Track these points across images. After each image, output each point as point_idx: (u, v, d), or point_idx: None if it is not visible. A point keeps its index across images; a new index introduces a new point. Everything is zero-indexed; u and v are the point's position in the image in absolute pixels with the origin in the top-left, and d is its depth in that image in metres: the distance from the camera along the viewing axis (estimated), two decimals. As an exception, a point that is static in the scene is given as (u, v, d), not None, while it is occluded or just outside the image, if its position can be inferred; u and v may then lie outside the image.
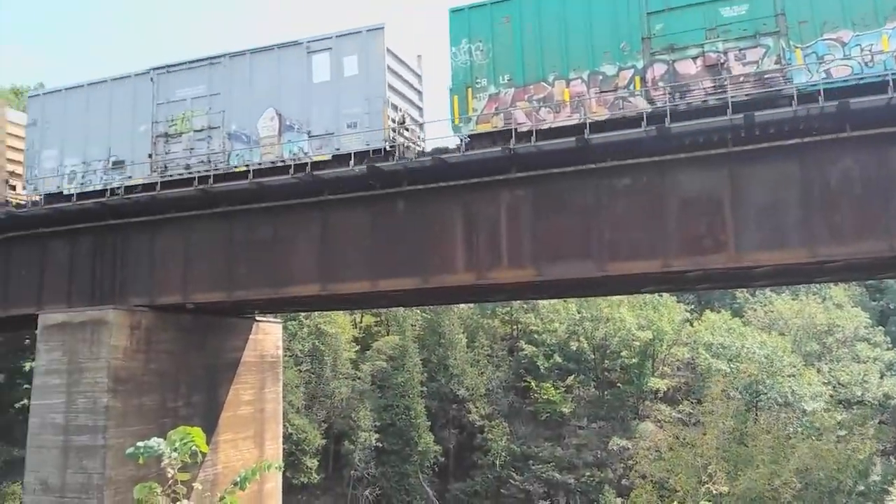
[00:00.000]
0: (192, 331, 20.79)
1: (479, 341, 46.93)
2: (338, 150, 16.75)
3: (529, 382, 44.23)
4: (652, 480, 35.61)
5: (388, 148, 16.32)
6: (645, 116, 14.31)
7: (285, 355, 32.16)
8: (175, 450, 4.58)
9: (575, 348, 45.35)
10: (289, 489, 32.49)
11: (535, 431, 42.78)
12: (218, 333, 21.88)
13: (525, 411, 44.16)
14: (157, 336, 19.60)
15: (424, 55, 18.79)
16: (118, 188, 18.70)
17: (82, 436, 18.16)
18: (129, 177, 18.81)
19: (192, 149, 18.31)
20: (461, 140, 16.07)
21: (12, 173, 21.39)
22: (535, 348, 45.39)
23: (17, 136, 21.72)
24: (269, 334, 24.03)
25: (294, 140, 17.24)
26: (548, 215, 15.89)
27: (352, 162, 16.26)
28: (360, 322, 48.65)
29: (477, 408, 43.29)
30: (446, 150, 16.15)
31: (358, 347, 44.96)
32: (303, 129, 17.26)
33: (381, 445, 40.65)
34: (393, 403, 41.69)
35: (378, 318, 49.28)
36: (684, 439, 35.86)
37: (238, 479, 4.95)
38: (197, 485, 5.01)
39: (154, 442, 4.57)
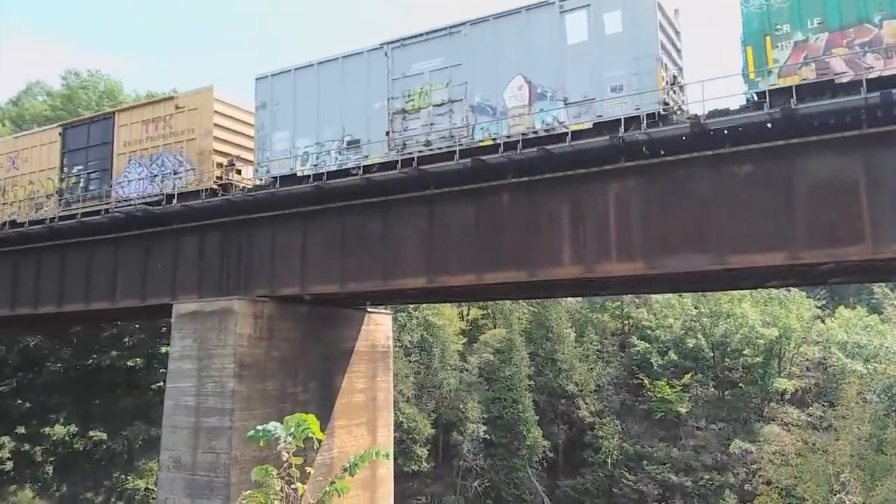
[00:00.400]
0: (309, 321, 21.70)
1: (588, 336, 46.13)
2: (599, 117, 15.26)
3: (642, 380, 43.03)
4: (778, 487, 33.75)
5: (661, 112, 14.71)
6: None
7: (395, 346, 32.98)
8: (291, 434, 4.82)
9: (692, 345, 43.62)
10: (400, 476, 33.35)
11: (649, 431, 41.56)
12: (333, 324, 22.74)
13: (638, 409, 43.01)
14: (277, 325, 20.57)
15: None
16: (354, 168, 18.14)
17: (211, 418, 19.36)
18: (366, 156, 18.03)
19: (431, 124, 17.34)
20: (752, 97, 14.12)
21: (238, 157, 21.23)
22: (647, 345, 44.12)
23: (231, 117, 21.48)
24: (380, 325, 24.72)
25: (547, 109, 15.88)
26: (660, 206, 15.35)
27: (621, 129, 14.81)
28: (467, 315, 49.03)
29: (587, 404, 42.62)
30: (727, 112, 14.42)
31: (465, 340, 45.34)
32: (556, 96, 15.83)
33: (489, 437, 40.85)
34: (500, 396, 41.77)
35: (485, 311, 49.48)
36: (814, 445, 33.71)
37: (348, 465, 5.16)
38: (310, 469, 5.22)
39: (272, 426, 4.85)
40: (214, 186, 20.22)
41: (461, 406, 40.74)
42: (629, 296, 44.48)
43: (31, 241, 24.59)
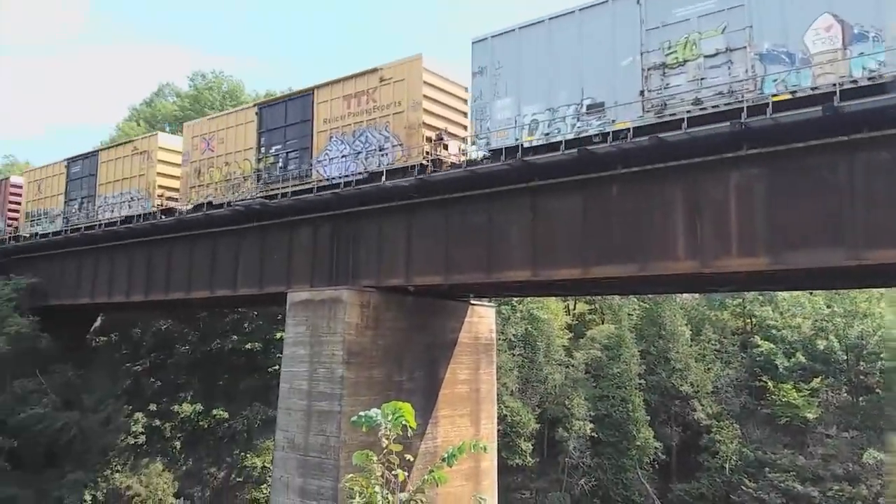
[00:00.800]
0: (413, 311, 22.02)
1: (706, 334, 44.06)
2: None
3: (765, 382, 40.62)
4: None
5: None
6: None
7: (499, 339, 32.90)
8: (391, 421, 4.88)
9: (822, 347, 40.61)
10: (504, 469, 33.28)
11: (772, 436, 39.24)
12: (436, 315, 22.96)
13: (760, 413, 40.71)
14: (383, 315, 21.01)
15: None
16: (596, 136, 16.24)
17: (322, 402, 20.08)
18: (612, 120, 15.95)
19: (701, 79, 14.92)
20: None
21: (446, 131, 19.76)
22: (772, 345, 41.54)
23: (440, 88, 20.03)
24: (483, 317, 24.72)
25: (870, 53, 12.98)
26: (786, 196, 14.30)
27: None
28: (574, 309, 48.14)
29: (703, 406, 40.83)
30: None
31: (571, 335, 44.55)
32: (881, 35, 12.96)
33: (596, 435, 39.99)
34: (608, 394, 40.75)
35: (592, 306, 48.40)
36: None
37: (446, 456, 5.16)
38: (410, 456, 5.18)
39: (374, 412, 4.93)
40: (424, 162, 18.73)
41: (567, 402, 40.09)
42: (752, 293, 42.07)
43: (161, 233, 26.39)
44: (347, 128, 20.80)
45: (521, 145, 16.99)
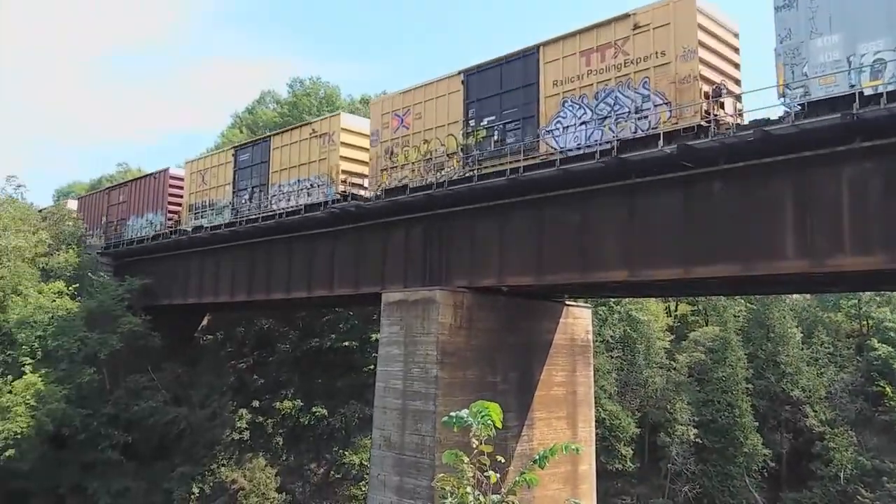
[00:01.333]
0: (506, 312, 21.86)
1: (818, 337, 41.66)
2: None
3: (883, 387, 38.17)
4: None
5: None
6: None
7: (596, 340, 32.17)
8: (480, 422, 4.81)
9: (946, 350, 37.60)
10: (603, 474, 32.60)
11: (891, 444, 36.79)
12: (530, 316, 22.71)
13: (877, 420, 38.26)
14: (476, 315, 20.95)
15: None
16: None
17: (416, 401, 20.26)
18: None
19: None
20: None
21: (722, 85, 16.10)
22: (891, 348, 38.82)
23: (714, 35, 16.40)
24: (578, 318, 24.25)
25: None
26: (905, 191, 13.23)
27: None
28: (675, 310, 46.52)
29: (815, 412, 38.66)
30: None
31: (672, 337, 43.09)
32: None
33: (700, 441, 38.53)
34: (713, 399, 39.22)
35: (694, 307, 46.66)
36: None
37: (537, 458, 5.05)
38: (501, 458, 5.10)
39: (464, 412, 4.88)
40: (703, 123, 15.35)
41: (668, 406, 38.85)
42: (868, 293, 39.35)
43: (263, 235, 27.46)
44: (587, 89, 17.57)
45: (860, 93, 13.25)
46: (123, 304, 31.90)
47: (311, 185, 24.83)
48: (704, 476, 38.40)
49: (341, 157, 24.11)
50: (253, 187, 27.65)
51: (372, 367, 28.87)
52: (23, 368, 28.55)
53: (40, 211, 40.47)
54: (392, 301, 21.74)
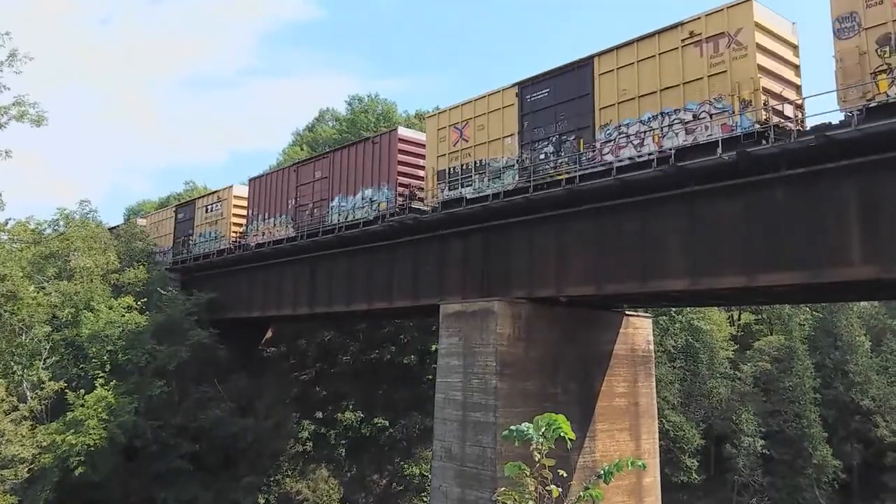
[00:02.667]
0: (565, 322, 21.80)
1: (888, 345, 40.14)
2: None
3: (960, 397, 36.19)
4: None
5: None
6: None
7: (657, 351, 31.73)
8: (542, 435, 4.84)
9: None
10: (668, 486, 32.00)
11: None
12: (589, 326, 22.59)
13: (954, 431, 36.34)
14: (535, 326, 20.92)
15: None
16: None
17: (476, 413, 20.33)
18: None
19: None
20: None
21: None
22: (967, 355, 36.99)
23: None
24: (639, 328, 23.98)
25: None
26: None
27: None
28: (738, 319, 45.40)
29: (887, 422, 37.23)
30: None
31: (736, 346, 42.13)
32: None
33: (767, 453, 37.46)
34: (780, 409, 38.23)
35: (758, 316, 45.48)
36: None
37: (602, 472, 5.05)
38: (563, 472, 5.08)
39: (525, 426, 4.90)
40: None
41: (734, 417, 37.95)
42: (943, 299, 37.60)
43: (323, 249, 28.13)
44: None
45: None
46: (192, 318, 32.98)
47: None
48: (773, 488, 37.38)
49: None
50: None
51: (431, 377, 29.17)
52: (94, 382, 29.73)
53: (111, 229, 42.35)
54: (450, 312, 21.92)
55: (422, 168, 24.27)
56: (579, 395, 21.86)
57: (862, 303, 40.82)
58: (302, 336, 39.00)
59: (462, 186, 22.10)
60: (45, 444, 27.80)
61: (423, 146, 24.37)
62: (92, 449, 27.38)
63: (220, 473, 32.60)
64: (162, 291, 34.98)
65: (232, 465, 33.11)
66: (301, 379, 36.79)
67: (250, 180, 32.91)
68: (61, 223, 36.32)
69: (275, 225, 30.18)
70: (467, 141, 22.19)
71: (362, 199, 25.59)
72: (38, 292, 30.28)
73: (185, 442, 31.02)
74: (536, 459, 4.78)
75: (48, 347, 31.17)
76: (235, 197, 34.06)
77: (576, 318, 22.13)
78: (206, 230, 35.30)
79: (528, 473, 4.82)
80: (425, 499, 30.72)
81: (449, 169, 22.58)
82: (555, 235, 20.17)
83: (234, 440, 32.63)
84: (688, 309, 38.42)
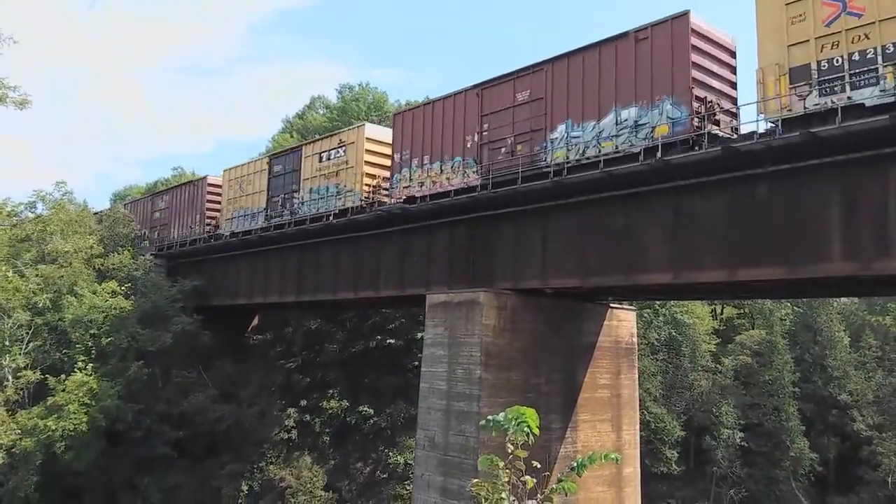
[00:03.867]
0: (550, 314, 21.99)
1: (866, 341, 40.88)
2: None
3: (935, 392, 36.92)
4: None
5: None
6: None
7: (640, 343, 32.03)
8: (515, 427, 4.87)
9: None
10: (648, 477, 32.44)
11: (943, 450, 35.68)
12: (574, 318, 22.80)
13: (928, 425, 37.10)
14: (520, 317, 21.10)
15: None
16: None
17: (460, 402, 20.50)
18: None
19: None
20: None
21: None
22: (943, 352, 37.71)
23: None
24: (623, 321, 24.24)
25: None
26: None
27: None
28: (721, 313, 45.91)
29: (863, 416, 37.95)
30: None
31: (718, 340, 42.64)
32: None
33: (746, 445, 38.05)
34: (759, 402, 38.81)
35: (740, 310, 46.02)
36: None
37: (575, 465, 5.08)
38: (536, 463, 4.98)
39: (501, 416, 4.94)
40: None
41: (714, 410, 38.47)
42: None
43: (311, 237, 28.12)
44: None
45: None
46: (176, 305, 32.88)
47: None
48: (750, 480, 37.98)
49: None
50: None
51: (417, 367, 29.31)
52: (76, 366, 29.58)
53: (96, 213, 41.98)
54: (436, 302, 22.04)
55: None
56: (563, 386, 22.08)
57: (842, 299, 41.40)
58: (288, 324, 39.00)
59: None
60: (25, 428, 27.67)
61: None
62: (73, 434, 27.33)
63: (203, 460, 32.65)
64: (146, 278, 34.72)
65: (216, 452, 33.13)
66: (287, 367, 36.80)
67: (395, 115, 25.92)
68: (38, 205, 35.90)
69: (441, 171, 22.48)
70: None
71: (616, 122, 17.89)
72: (15, 277, 29.97)
73: (169, 428, 31.00)
74: (510, 451, 4.75)
75: (30, 332, 30.94)
76: (369, 139, 26.30)
77: (561, 310, 22.33)
78: (320, 184, 27.56)
79: (500, 466, 4.80)
80: (408, 487, 30.90)
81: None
82: (541, 227, 20.31)
83: (217, 427, 32.60)
84: (671, 302, 38.82)
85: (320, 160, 27.37)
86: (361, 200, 25.18)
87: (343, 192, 26.02)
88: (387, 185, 24.62)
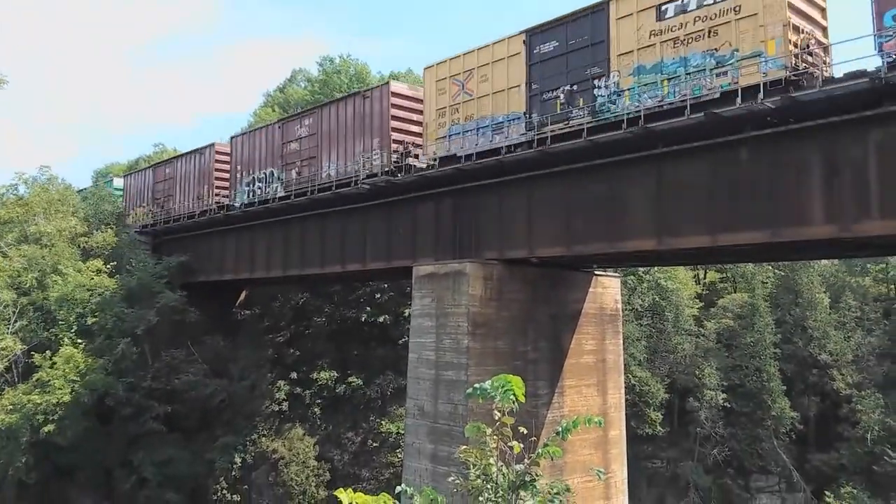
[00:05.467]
0: (536, 283, 22.21)
1: (846, 301, 41.64)
2: None
3: (912, 350, 37.88)
4: None
5: None
6: None
7: (625, 309, 32.44)
8: (500, 395, 4.96)
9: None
10: (634, 438, 33.12)
11: (919, 407, 36.81)
12: (559, 286, 23.04)
13: (905, 383, 38.14)
14: (506, 286, 21.32)
15: None
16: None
17: (448, 371, 20.81)
18: None
19: None
20: None
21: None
22: (920, 311, 38.61)
23: None
24: (607, 288, 24.52)
25: None
26: (935, 154, 13.23)
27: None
28: (704, 278, 46.50)
29: (842, 375, 38.88)
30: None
31: (701, 304, 43.24)
32: None
33: (729, 406, 38.90)
34: (741, 364, 39.53)
35: (723, 274, 46.63)
36: None
37: (560, 430, 5.17)
38: (522, 429, 5.15)
39: (487, 384, 4.99)
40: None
41: (697, 372, 39.18)
42: (897, 257, 39.06)
43: (297, 212, 28.03)
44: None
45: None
46: (162, 282, 32.80)
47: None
48: (733, 439, 38.88)
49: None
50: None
51: (405, 339, 29.54)
52: (62, 343, 29.59)
53: (80, 191, 41.54)
54: (423, 274, 22.18)
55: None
56: (549, 353, 22.39)
57: (823, 261, 42.01)
58: (276, 298, 39.05)
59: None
60: (11, 406, 27.78)
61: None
62: (57, 409, 27.44)
63: (195, 435, 32.91)
64: (131, 255, 34.55)
65: (208, 426, 33.39)
66: (276, 340, 36.95)
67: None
68: (20, 188, 35.56)
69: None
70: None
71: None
72: None
73: (159, 404, 31.17)
74: (497, 418, 4.88)
75: (16, 312, 30.84)
76: None
77: (546, 279, 22.54)
78: (664, 56, 16.83)
79: (487, 433, 4.93)
80: (400, 455, 31.35)
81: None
82: (525, 197, 20.41)
83: (208, 402, 32.83)
84: (655, 269, 39.26)
85: (661, 16, 16.81)
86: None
87: (731, 60, 15.60)
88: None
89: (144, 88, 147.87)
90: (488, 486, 4.92)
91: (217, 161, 33.01)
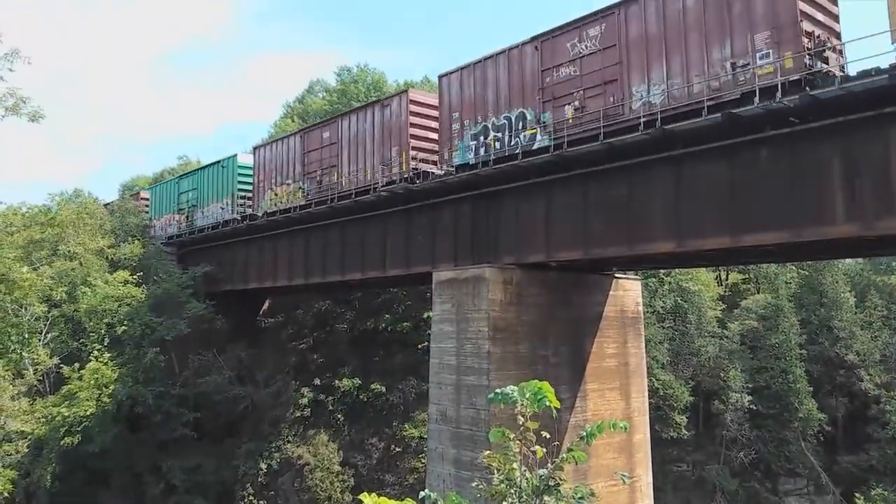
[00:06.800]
0: (555, 286, 22.21)
1: (871, 301, 41.02)
2: None
3: (940, 349, 37.26)
4: None
5: None
6: None
7: (646, 311, 32.31)
8: (527, 399, 5.04)
9: None
10: (659, 442, 32.89)
11: (950, 406, 36.14)
12: (579, 289, 23.01)
13: (934, 382, 37.49)
14: (526, 291, 21.34)
15: None
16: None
17: (470, 376, 20.85)
18: None
19: None
20: None
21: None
22: (948, 309, 37.96)
23: None
24: (628, 291, 24.43)
25: None
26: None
27: None
28: (726, 279, 46.08)
29: (870, 375, 38.23)
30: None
31: (724, 306, 42.83)
32: None
33: (754, 408, 38.45)
34: (767, 365, 39.03)
35: (745, 275, 46.16)
36: None
37: (584, 434, 5.22)
38: (546, 434, 5.20)
39: (510, 389, 5.07)
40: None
41: (722, 374, 38.80)
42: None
43: (318, 220, 28.31)
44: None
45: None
46: (188, 292, 33.31)
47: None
48: (760, 442, 38.40)
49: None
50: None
51: (426, 344, 29.66)
52: (91, 355, 30.18)
53: (106, 205, 42.33)
54: (443, 280, 22.29)
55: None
56: (570, 357, 22.35)
57: (847, 260, 41.51)
58: (298, 306, 39.41)
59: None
60: (43, 417, 28.42)
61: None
62: (85, 420, 28.01)
63: (221, 441, 33.34)
64: (158, 266, 35.13)
65: (234, 433, 33.82)
66: (299, 348, 37.30)
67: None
68: (54, 208, 36.35)
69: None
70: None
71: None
72: (31, 272, 30.57)
73: (187, 411, 31.73)
74: (520, 423, 4.96)
75: (47, 323, 31.51)
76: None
77: (566, 282, 22.52)
78: None
79: (511, 438, 4.99)
80: (423, 460, 31.43)
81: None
82: (543, 201, 20.43)
83: (234, 408, 33.31)
84: (676, 270, 39.01)
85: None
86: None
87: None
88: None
89: (167, 100, 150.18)
90: (512, 491, 4.97)
91: (412, 114, 24.22)
